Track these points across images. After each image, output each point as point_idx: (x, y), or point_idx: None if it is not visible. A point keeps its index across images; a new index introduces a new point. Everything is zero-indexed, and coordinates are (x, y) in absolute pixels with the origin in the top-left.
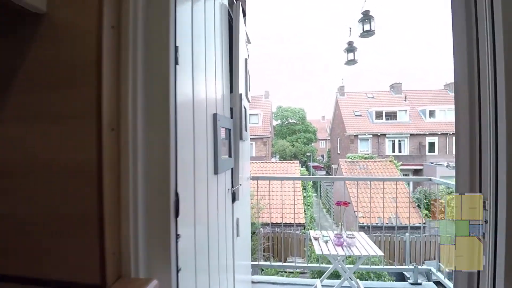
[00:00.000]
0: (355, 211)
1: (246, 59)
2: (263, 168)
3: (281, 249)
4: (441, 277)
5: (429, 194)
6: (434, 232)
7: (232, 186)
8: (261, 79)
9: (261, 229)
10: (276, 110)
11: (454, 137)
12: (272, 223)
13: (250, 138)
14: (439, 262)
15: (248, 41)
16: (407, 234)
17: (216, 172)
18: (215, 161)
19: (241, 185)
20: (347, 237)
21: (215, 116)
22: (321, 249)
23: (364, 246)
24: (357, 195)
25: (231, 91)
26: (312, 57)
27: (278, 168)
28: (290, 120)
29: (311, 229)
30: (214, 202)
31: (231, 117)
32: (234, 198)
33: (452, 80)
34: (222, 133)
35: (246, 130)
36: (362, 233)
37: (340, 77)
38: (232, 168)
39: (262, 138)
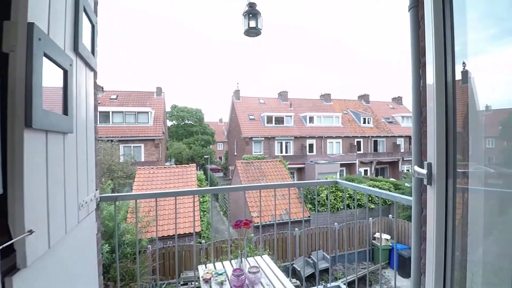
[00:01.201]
0: (250, 212)
1: None
2: (154, 175)
3: (173, 265)
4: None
5: (312, 190)
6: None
7: (8, 238)
8: (154, 73)
9: (149, 246)
10: (170, 109)
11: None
12: (164, 236)
13: (138, 140)
14: (324, 251)
15: None
16: (296, 229)
17: None
18: None
19: (31, 232)
20: (249, 271)
21: None
22: None
23: (272, 280)
24: (259, 200)
25: (6, 18)
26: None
27: (172, 174)
28: (186, 121)
29: (208, 237)
30: None
31: None
32: (12, 267)
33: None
34: None
35: (66, 113)
36: (266, 257)
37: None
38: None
39: (154, 139)
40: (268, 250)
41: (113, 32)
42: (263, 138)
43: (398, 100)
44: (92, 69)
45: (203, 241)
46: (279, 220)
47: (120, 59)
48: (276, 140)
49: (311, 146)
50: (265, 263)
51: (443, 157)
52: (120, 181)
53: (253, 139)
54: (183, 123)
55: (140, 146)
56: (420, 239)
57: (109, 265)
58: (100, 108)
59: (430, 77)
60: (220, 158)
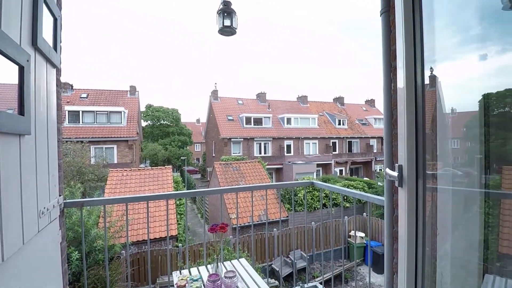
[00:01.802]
0: (229, 213)
1: None
2: (127, 178)
3: (148, 271)
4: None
5: (290, 190)
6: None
7: None
8: (128, 71)
9: (123, 251)
10: (145, 109)
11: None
12: (139, 241)
13: (111, 141)
14: (301, 250)
15: None
16: (275, 229)
17: None
18: None
19: None
20: (225, 276)
21: None
22: None
23: (249, 283)
24: (236, 202)
25: None
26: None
27: (147, 176)
28: (162, 122)
29: (184, 241)
30: None
31: None
32: None
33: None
34: None
35: (22, 113)
36: (243, 260)
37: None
38: None
39: (127, 140)
40: (246, 252)
41: (84, 28)
42: (242, 139)
43: (371, 102)
44: (54, 65)
45: (180, 244)
46: (257, 221)
47: (92, 56)
48: (255, 141)
49: (288, 147)
50: (242, 267)
51: (413, 159)
52: (91, 184)
53: (232, 140)
54: (158, 123)
55: (113, 148)
56: (392, 239)
57: (79, 272)
58: (69, 108)
59: (401, 80)
60: (198, 159)
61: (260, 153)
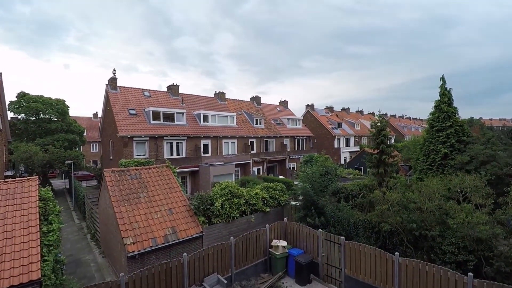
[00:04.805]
0: (123, 238)
1: None
2: None
3: None
4: None
5: (205, 199)
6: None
7: None
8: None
9: None
10: (16, 98)
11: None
12: None
13: None
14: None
15: None
16: (185, 254)
17: None
18: None
19: None
20: None
21: None
22: None
23: None
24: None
25: None
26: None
27: None
28: (42, 116)
29: (52, 285)
30: None
31: None
32: None
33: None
34: None
35: None
36: None
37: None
38: None
39: None
40: None
41: None
42: (148, 138)
43: (284, 103)
44: None
45: None
46: (163, 243)
47: None
48: (165, 140)
49: (206, 146)
50: None
51: None
52: None
53: (134, 139)
54: (37, 117)
55: None
56: None
57: None
58: None
59: None
60: (95, 162)
61: (171, 154)
